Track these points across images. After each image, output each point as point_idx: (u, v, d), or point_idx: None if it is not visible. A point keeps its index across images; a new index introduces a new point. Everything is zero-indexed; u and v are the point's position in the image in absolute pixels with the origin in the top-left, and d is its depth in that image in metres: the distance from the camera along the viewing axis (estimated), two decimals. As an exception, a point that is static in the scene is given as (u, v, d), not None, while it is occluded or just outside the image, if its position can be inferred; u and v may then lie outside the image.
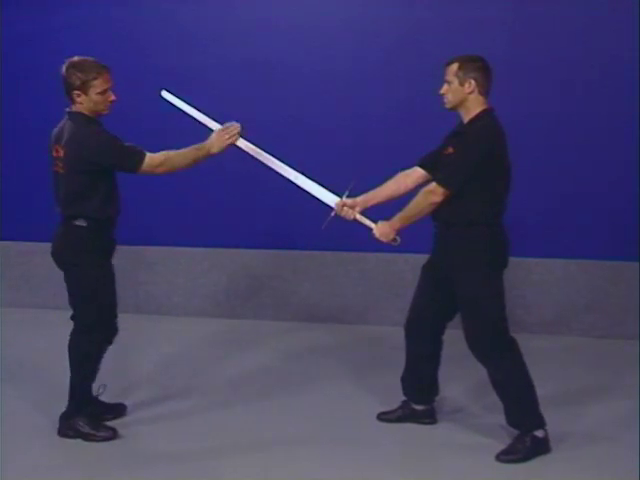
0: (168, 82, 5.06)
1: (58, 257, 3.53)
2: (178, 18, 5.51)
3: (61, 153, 3.38)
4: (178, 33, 5.52)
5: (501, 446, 3.37)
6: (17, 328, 5.33)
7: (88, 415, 3.54)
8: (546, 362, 4.38)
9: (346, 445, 3.49)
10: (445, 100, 3.35)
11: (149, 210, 5.47)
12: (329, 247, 5.36)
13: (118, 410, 3.78)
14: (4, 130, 5.83)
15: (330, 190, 3.61)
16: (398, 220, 3.39)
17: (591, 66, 5.00)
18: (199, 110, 3.64)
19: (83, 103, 3.37)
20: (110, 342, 3.53)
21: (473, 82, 3.26)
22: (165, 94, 3.67)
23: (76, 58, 3.41)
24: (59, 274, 5.70)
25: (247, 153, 3.58)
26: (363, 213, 3.55)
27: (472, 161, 3.23)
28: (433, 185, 3.30)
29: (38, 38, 5.69)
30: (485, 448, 3.39)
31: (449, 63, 3.33)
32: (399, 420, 3.70)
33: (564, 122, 5.06)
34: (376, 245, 3.56)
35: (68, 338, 3.56)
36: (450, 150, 3.32)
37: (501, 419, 3.42)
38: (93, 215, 3.39)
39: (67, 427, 3.52)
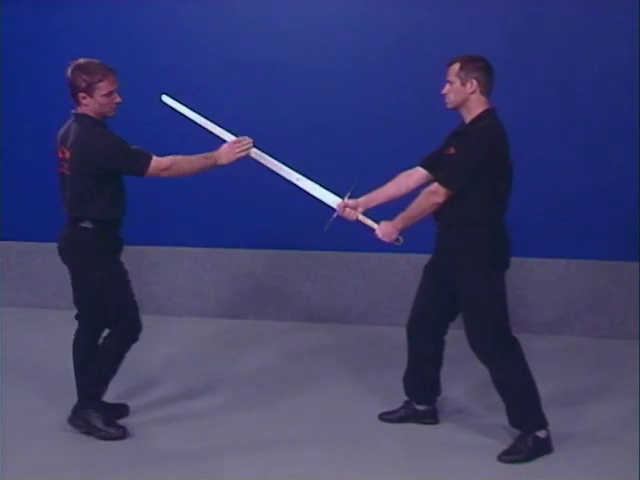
0: (168, 82, 5.11)
1: (65, 257, 3.53)
2: (178, 18, 5.51)
3: (67, 155, 3.38)
4: (178, 33, 5.51)
5: (503, 446, 3.37)
6: (18, 328, 5.33)
7: (102, 411, 3.54)
8: (548, 362, 4.38)
9: (347, 445, 3.49)
10: (447, 100, 3.35)
11: (151, 210, 5.46)
12: (331, 247, 5.36)
13: (120, 411, 3.77)
14: (4, 130, 5.83)
15: (332, 191, 3.61)
16: (400, 220, 3.40)
17: (591, 66, 5.01)
18: (204, 117, 3.63)
19: (89, 105, 3.37)
20: (134, 340, 3.52)
21: (475, 82, 3.27)
22: (167, 99, 3.65)
23: (82, 60, 3.40)
24: (60, 274, 5.71)
25: (257, 161, 3.58)
26: (365, 214, 3.55)
27: (474, 161, 3.23)
28: (435, 185, 3.30)
29: (38, 38, 5.69)
30: (487, 448, 3.39)
31: (451, 63, 3.33)
32: (401, 420, 3.71)
33: (565, 122, 5.06)
34: (378, 245, 3.57)
35: (72, 337, 3.57)
36: (452, 150, 3.32)
37: (503, 419, 3.42)
38: (99, 217, 3.39)
39: (79, 417, 3.52)
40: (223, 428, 3.66)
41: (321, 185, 3.62)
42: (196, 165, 3.47)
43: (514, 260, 3.43)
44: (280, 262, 5.55)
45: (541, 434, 3.34)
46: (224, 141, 3.57)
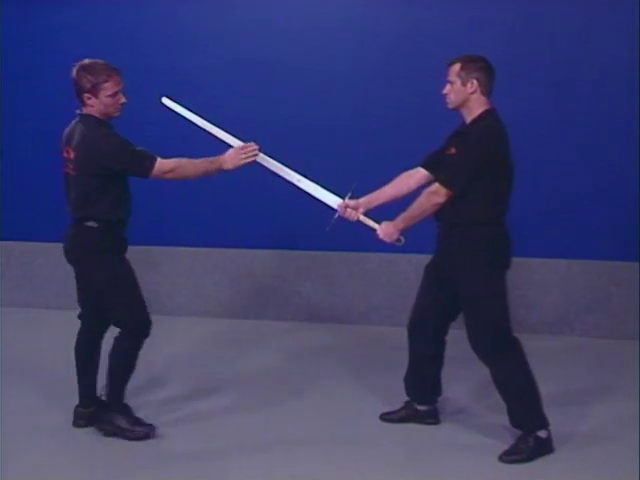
0: (168, 82, 5.12)
1: (70, 257, 3.52)
2: (178, 18, 5.51)
3: (71, 155, 3.38)
4: (178, 33, 5.51)
5: (504, 446, 3.37)
6: (19, 328, 5.33)
7: (125, 412, 3.55)
8: (548, 362, 4.38)
9: (348, 445, 3.50)
10: (447, 100, 3.36)
11: (152, 210, 5.46)
12: (331, 247, 5.36)
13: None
14: (5, 130, 5.83)
15: (333, 192, 3.61)
16: (401, 221, 3.40)
17: (591, 66, 5.01)
18: (207, 120, 3.62)
19: (94, 106, 3.36)
20: (146, 335, 3.51)
21: (475, 82, 3.27)
22: (168, 102, 3.63)
23: (86, 61, 3.40)
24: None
25: (259, 164, 3.58)
26: (366, 214, 3.55)
27: (475, 161, 3.23)
28: (436, 186, 3.31)
29: (38, 38, 5.69)
30: (488, 448, 3.40)
31: (451, 63, 3.33)
32: (402, 420, 3.71)
33: (565, 122, 5.06)
34: (378, 245, 3.56)
35: (74, 337, 3.57)
36: (452, 150, 3.33)
37: (504, 419, 3.43)
38: (104, 217, 3.39)
39: (105, 421, 3.52)
40: (224, 429, 3.66)
41: (322, 186, 3.62)
42: (200, 169, 3.47)
43: (515, 260, 3.43)
44: (281, 262, 5.55)
45: (542, 434, 3.34)
46: (227, 144, 3.57)
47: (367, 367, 4.54)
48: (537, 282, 5.19)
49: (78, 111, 3.44)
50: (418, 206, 3.34)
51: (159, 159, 3.38)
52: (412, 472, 3.28)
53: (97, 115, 3.38)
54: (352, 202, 3.55)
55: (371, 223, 3.51)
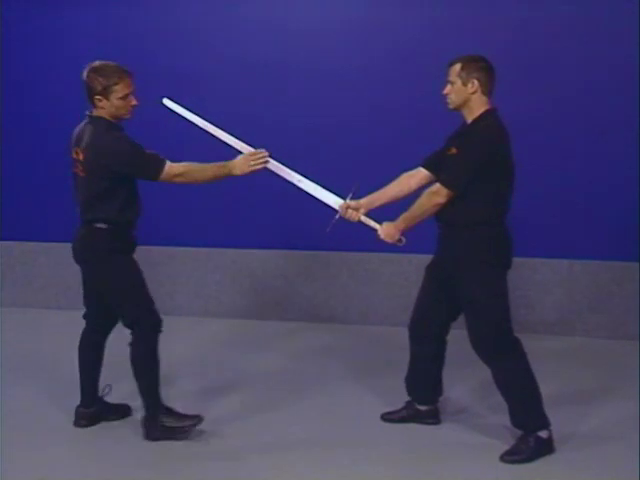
0: (168, 82, 5.12)
1: (80, 257, 3.52)
2: (179, 19, 5.50)
3: (81, 156, 3.36)
4: (179, 34, 5.51)
5: (505, 447, 3.37)
6: (19, 328, 5.33)
7: (168, 411, 3.54)
8: (549, 362, 4.38)
9: (349, 445, 3.49)
10: (448, 100, 3.35)
11: (153, 211, 5.42)
12: (332, 247, 5.36)
13: (123, 411, 3.79)
14: (5, 130, 5.83)
15: (334, 192, 3.61)
16: (402, 221, 3.39)
17: (591, 66, 5.00)
18: (209, 121, 3.61)
19: (104, 108, 3.35)
20: (159, 332, 3.51)
21: (476, 82, 3.26)
22: (178, 109, 3.61)
23: (98, 62, 3.37)
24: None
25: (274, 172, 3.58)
26: (367, 214, 3.55)
27: (476, 162, 3.22)
28: (437, 186, 3.30)
29: (39, 39, 5.69)
30: (489, 448, 3.39)
31: (452, 63, 3.33)
32: (403, 420, 3.71)
33: (566, 122, 5.05)
34: (379, 245, 3.56)
35: (75, 337, 3.56)
36: (453, 151, 3.32)
37: (505, 419, 3.42)
38: (113, 219, 3.39)
39: (154, 429, 3.50)
40: (224, 429, 3.65)
41: (323, 186, 3.62)
42: (209, 173, 3.46)
43: (517, 260, 3.43)
44: (281, 262, 5.55)
45: (543, 434, 3.34)
46: (228, 145, 3.56)
47: (368, 367, 4.54)
48: (538, 282, 5.19)
49: (88, 112, 3.43)
50: (419, 206, 3.34)
51: (168, 163, 3.37)
52: (413, 472, 3.28)
53: (107, 117, 3.36)
54: (353, 203, 3.54)
55: (372, 223, 3.51)
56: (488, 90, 3.31)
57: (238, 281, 5.64)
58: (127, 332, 3.61)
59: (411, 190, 3.55)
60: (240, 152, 3.54)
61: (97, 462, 3.38)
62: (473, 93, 3.27)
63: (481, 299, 3.30)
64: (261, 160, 3.49)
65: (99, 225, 3.39)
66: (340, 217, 3.56)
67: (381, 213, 3.52)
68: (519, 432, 3.38)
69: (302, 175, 3.60)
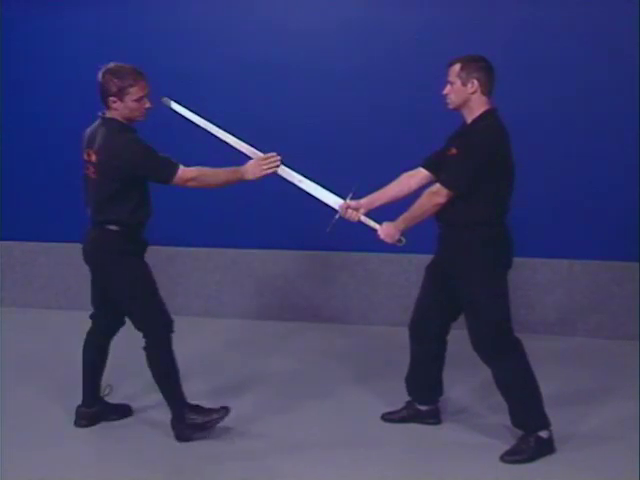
0: (168, 83, 5.09)
1: (90, 259, 3.50)
2: (180, 19, 5.50)
3: (93, 158, 3.35)
4: (179, 34, 5.51)
5: (505, 447, 3.37)
6: (19, 328, 5.33)
7: (196, 409, 3.53)
8: (550, 362, 4.37)
9: (350, 445, 3.49)
10: (448, 100, 3.35)
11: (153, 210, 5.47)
12: (332, 247, 5.36)
13: (123, 411, 3.79)
14: (5, 130, 5.83)
15: (334, 192, 3.61)
16: (402, 221, 3.39)
17: (592, 66, 5.00)
18: (210, 121, 3.61)
19: (118, 109, 3.34)
20: (171, 331, 3.50)
21: (476, 82, 3.26)
22: (177, 107, 3.61)
23: (113, 64, 3.36)
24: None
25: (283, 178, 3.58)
26: (367, 214, 3.54)
27: (476, 162, 3.22)
28: (437, 186, 3.30)
29: (40, 39, 5.69)
30: (489, 448, 3.39)
31: (452, 63, 3.32)
32: (403, 420, 3.71)
33: (566, 122, 5.05)
34: (379, 245, 3.56)
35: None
36: (453, 151, 3.32)
37: (505, 419, 3.42)
38: (125, 221, 3.38)
39: (183, 428, 3.50)
40: (225, 429, 3.64)
41: (323, 186, 3.62)
42: (222, 178, 3.47)
43: (517, 260, 3.43)
44: (281, 262, 5.55)
45: (543, 434, 3.34)
46: (229, 145, 3.55)
47: (368, 367, 4.54)
48: (538, 282, 5.19)
49: (100, 113, 3.41)
50: (419, 206, 3.34)
51: (182, 167, 3.36)
52: (413, 472, 3.28)
53: (120, 119, 3.35)
54: (353, 203, 3.54)
55: (372, 224, 3.51)
56: (488, 90, 3.30)
57: (238, 281, 5.64)
58: (127, 333, 3.62)
59: (411, 190, 3.55)
60: (243, 153, 3.54)
61: (97, 462, 3.39)
62: (473, 93, 3.27)
63: (481, 299, 3.30)
64: (273, 164, 3.49)
65: (110, 227, 3.38)
66: (340, 217, 3.56)
67: (381, 213, 3.52)
68: (519, 432, 3.38)
69: (302, 175, 3.60)
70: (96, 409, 3.68)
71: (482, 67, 3.29)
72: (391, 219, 3.43)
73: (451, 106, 3.35)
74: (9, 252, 5.92)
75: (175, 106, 3.60)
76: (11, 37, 5.70)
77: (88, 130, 3.46)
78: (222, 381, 4.29)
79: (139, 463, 3.34)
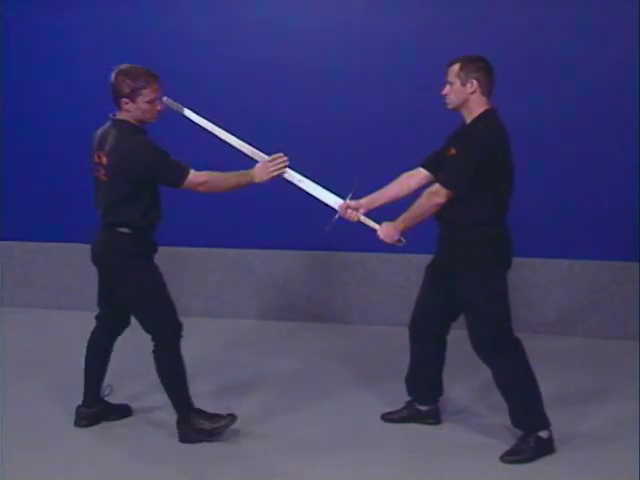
0: (167, 82, 5.08)
1: (100, 261, 3.49)
2: (179, 19, 5.50)
3: (104, 160, 3.33)
4: (178, 33, 5.51)
5: (505, 447, 3.37)
6: (19, 328, 5.32)
7: (202, 413, 3.53)
8: (550, 362, 4.37)
9: (350, 445, 3.50)
10: (447, 101, 3.35)
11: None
12: (332, 247, 5.36)
13: (123, 411, 3.79)
14: (5, 130, 5.83)
15: (333, 192, 3.61)
16: (402, 221, 3.39)
17: (591, 66, 5.00)
18: (226, 130, 3.60)
19: (130, 111, 3.31)
20: (180, 336, 3.50)
21: (475, 82, 3.26)
22: (191, 115, 3.60)
23: (126, 65, 3.33)
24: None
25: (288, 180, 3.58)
26: (367, 214, 3.54)
27: (475, 162, 3.22)
28: (436, 186, 3.30)
29: (40, 39, 5.68)
30: (489, 448, 3.40)
31: (451, 64, 3.32)
32: (403, 420, 3.71)
33: (565, 122, 5.05)
34: (380, 245, 3.56)
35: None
36: (453, 151, 3.31)
37: (505, 420, 3.42)
38: (136, 224, 3.37)
39: (188, 431, 3.49)
40: (226, 430, 3.65)
41: (323, 186, 3.62)
42: (232, 182, 3.46)
43: (517, 260, 3.43)
44: (282, 262, 5.55)
45: (543, 434, 3.34)
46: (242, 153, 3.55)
47: (368, 367, 4.53)
48: (538, 282, 5.19)
49: (111, 115, 3.40)
50: (418, 207, 3.34)
51: (192, 171, 3.34)
52: (413, 472, 3.28)
53: (132, 121, 3.33)
54: (353, 203, 3.54)
55: (372, 224, 3.51)
56: (487, 90, 3.30)
57: (238, 281, 5.64)
58: (130, 334, 3.63)
59: (411, 190, 3.55)
60: (246, 155, 3.53)
61: (97, 462, 3.38)
62: (472, 93, 3.27)
63: (481, 299, 3.30)
64: (281, 165, 3.48)
65: (121, 229, 3.37)
66: (340, 217, 3.56)
67: (381, 213, 3.52)
68: (519, 432, 3.38)
69: (302, 175, 3.60)
70: (96, 409, 3.68)
71: (481, 67, 3.29)
72: (391, 219, 3.43)
73: (450, 106, 3.35)
74: (9, 252, 5.91)
75: (174, 105, 3.59)
76: (11, 37, 5.70)
77: (98, 132, 3.44)
78: (222, 381, 4.29)
79: (140, 463, 3.34)
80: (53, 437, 3.56)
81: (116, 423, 3.71)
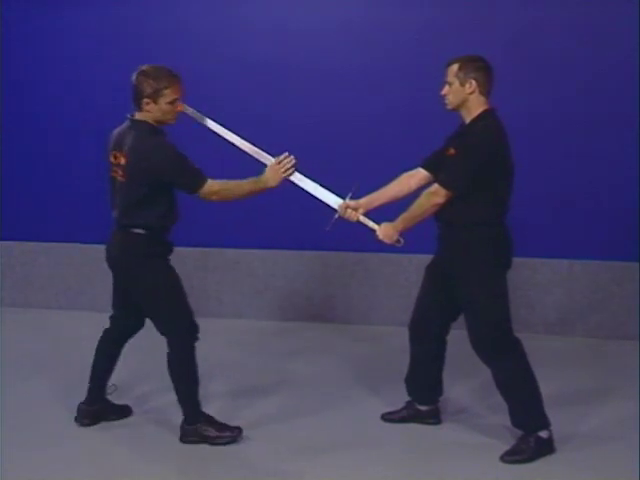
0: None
1: (115, 262, 3.46)
2: (180, 19, 5.50)
3: (121, 161, 3.29)
4: (180, 34, 5.51)
5: (505, 447, 3.37)
6: (19, 328, 5.32)
7: (209, 420, 3.52)
8: (550, 362, 4.38)
9: (350, 445, 3.50)
10: (446, 101, 3.34)
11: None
12: (332, 247, 5.36)
13: (123, 411, 3.79)
14: (6, 130, 5.83)
15: (333, 192, 3.61)
16: (401, 221, 3.39)
17: (591, 66, 5.00)
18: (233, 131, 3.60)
19: (151, 111, 3.28)
20: (196, 339, 3.48)
21: (474, 82, 3.25)
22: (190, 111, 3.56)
23: (147, 66, 3.30)
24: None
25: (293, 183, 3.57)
26: (366, 215, 3.54)
27: (474, 162, 3.22)
28: (435, 186, 3.30)
29: (41, 39, 5.68)
30: (489, 448, 3.40)
31: (450, 64, 3.32)
32: (403, 420, 3.71)
33: (565, 122, 5.05)
34: (380, 245, 3.56)
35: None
36: (452, 151, 3.31)
37: (505, 420, 3.42)
38: (152, 226, 3.34)
39: (190, 433, 3.49)
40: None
41: (322, 186, 3.62)
42: (246, 190, 3.44)
43: (517, 260, 3.43)
44: (281, 262, 5.55)
45: (543, 434, 3.34)
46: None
47: (368, 367, 4.54)
48: (538, 282, 5.19)
49: (129, 115, 3.37)
50: (418, 207, 3.33)
51: (209, 180, 3.32)
52: (413, 472, 3.28)
53: (151, 122, 3.30)
54: (352, 202, 3.54)
55: (371, 224, 3.51)
56: (486, 90, 3.30)
57: (238, 281, 5.64)
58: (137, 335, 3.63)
59: (410, 190, 3.55)
60: (251, 157, 3.53)
61: (97, 462, 3.38)
62: (471, 93, 3.27)
63: (481, 299, 3.30)
64: (289, 165, 3.47)
65: (137, 230, 3.35)
66: (339, 217, 3.56)
67: (380, 213, 3.52)
68: (519, 432, 3.38)
69: (302, 174, 3.60)
70: (97, 407, 3.68)
71: (480, 67, 3.28)
72: (390, 219, 3.43)
73: (449, 107, 3.35)
74: (9, 252, 5.91)
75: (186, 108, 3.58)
76: (11, 37, 5.70)
77: (115, 132, 3.41)
78: (222, 381, 4.29)
79: (140, 463, 3.34)
80: (53, 437, 3.56)
81: (116, 423, 3.71)
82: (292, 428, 3.68)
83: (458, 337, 3.52)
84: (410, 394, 3.71)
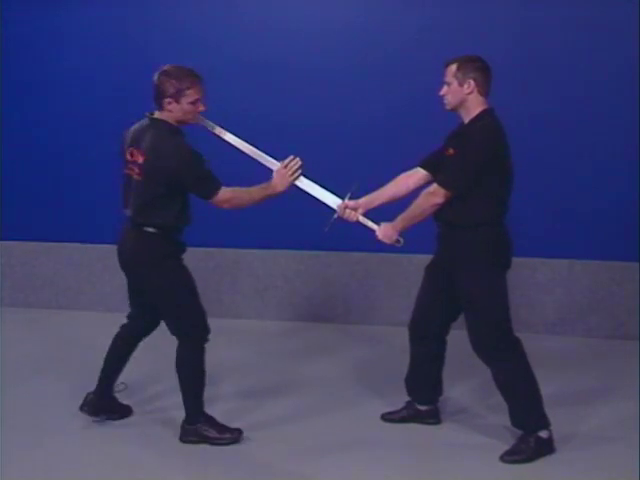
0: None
1: (128, 261, 3.44)
2: (180, 19, 5.50)
3: (139, 159, 3.26)
4: (180, 34, 5.51)
5: (505, 447, 3.37)
6: (19, 328, 5.32)
7: (210, 421, 3.52)
8: (550, 362, 4.38)
9: (349, 445, 3.50)
10: (445, 101, 3.34)
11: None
12: (333, 247, 5.36)
13: (124, 411, 3.79)
14: (6, 130, 5.83)
15: (332, 192, 3.61)
16: (400, 221, 3.39)
17: (591, 66, 5.00)
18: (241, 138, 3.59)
19: (172, 111, 3.27)
20: (206, 340, 3.49)
21: (472, 82, 3.26)
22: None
23: (170, 66, 3.29)
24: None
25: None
26: (366, 215, 3.55)
27: (473, 162, 3.22)
28: (434, 186, 3.30)
29: (41, 40, 5.68)
30: (489, 448, 3.40)
31: (448, 64, 3.32)
32: (403, 420, 3.71)
33: (565, 122, 5.05)
34: (380, 245, 3.56)
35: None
36: (451, 151, 3.32)
37: (505, 420, 3.42)
38: (166, 225, 3.34)
39: (191, 433, 3.49)
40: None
41: (322, 186, 3.62)
42: (256, 197, 3.43)
43: (516, 260, 3.43)
44: (281, 262, 5.55)
45: (543, 434, 3.34)
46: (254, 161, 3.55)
47: (368, 367, 4.54)
48: (538, 282, 5.19)
49: (147, 114, 3.35)
50: (417, 207, 3.34)
51: (223, 188, 3.32)
52: (413, 472, 3.29)
53: (171, 121, 3.29)
54: (351, 202, 3.54)
55: (370, 224, 3.51)
56: (485, 90, 3.30)
57: (238, 281, 5.64)
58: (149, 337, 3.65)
59: (409, 190, 3.55)
60: (257, 162, 3.53)
61: (97, 462, 3.38)
62: (469, 93, 3.27)
63: (481, 299, 3.30)
64: (295, 167, 3.47)
65: (150, 230, 3.33)
66: (338, 217, 3.56)
67: (380, 213, 3.52)
68: (519, 432, 3.39)
69: (301, 174, 3.60)
70: (103, 401, 3.68)
71: (478, 67, 3.29)
72: (389, 219, 3.43)
73: (448, 107, 3.35)
74: (9, 252, 5.91)
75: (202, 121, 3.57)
76: (11, 37, 5.70)
77: (132, 129, 3.39)
78: (221, 382, 4.28)
79: (140, 463, 3.34)
80: (53, 437, 3.57)
81: (116, 423, 3.71)
82: (292, 428, 3.68)
83: (458, 337, 3.52)
84: (410, 394, 3.72)
